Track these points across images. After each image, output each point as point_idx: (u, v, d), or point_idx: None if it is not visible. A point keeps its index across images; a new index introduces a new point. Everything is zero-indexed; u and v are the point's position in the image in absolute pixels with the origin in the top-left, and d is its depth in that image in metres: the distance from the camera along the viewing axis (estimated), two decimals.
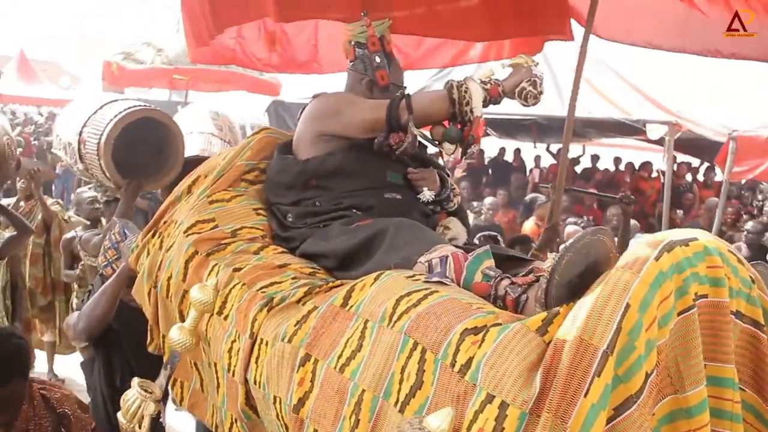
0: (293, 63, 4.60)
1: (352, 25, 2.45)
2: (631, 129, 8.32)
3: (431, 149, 2.63)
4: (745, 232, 6.67)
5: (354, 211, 2.27)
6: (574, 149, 12.74)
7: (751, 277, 1.51)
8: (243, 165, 2.59)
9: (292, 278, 2.11)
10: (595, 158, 12.72)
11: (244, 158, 2.62)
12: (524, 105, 2.24)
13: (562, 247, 1.42)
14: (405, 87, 2.45)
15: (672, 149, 7.53)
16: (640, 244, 1.41)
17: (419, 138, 2.43)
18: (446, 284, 1.71)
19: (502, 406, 1.30)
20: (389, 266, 1.89)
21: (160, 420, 2.30)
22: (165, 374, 2.34)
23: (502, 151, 13.94)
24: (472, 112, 2.21)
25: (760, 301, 1.50)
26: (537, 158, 13.12)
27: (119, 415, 2.31)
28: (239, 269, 2.23)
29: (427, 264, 1.85)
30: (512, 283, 1.67)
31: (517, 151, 13.49)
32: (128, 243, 3.04)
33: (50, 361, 5.78)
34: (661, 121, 7.62)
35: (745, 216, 8.18)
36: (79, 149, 4.11)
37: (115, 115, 3.92)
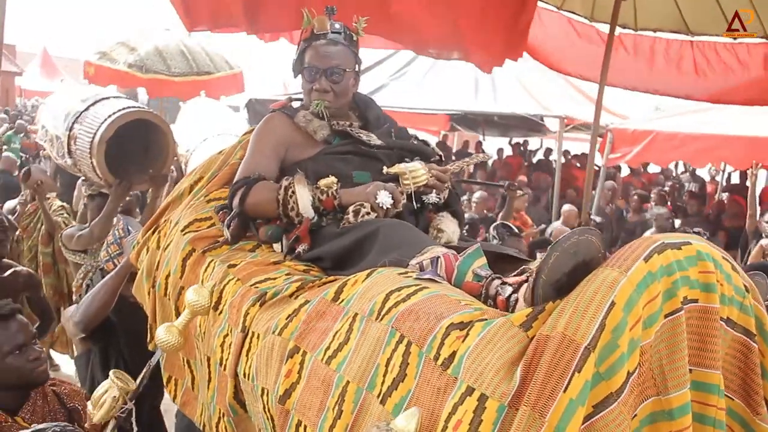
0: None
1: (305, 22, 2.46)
2: (535, 123, 10.16)
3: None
4: (655, 218, 7.13)
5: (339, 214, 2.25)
6: (533, 143, 15.25)
7: (745, 285, 1.49)
8: (236, 163, 2.60)
9: (286, 274, 2.12)
10: (548, 151, 14.03)
11: (238, 157, 2.64)
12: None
13: (549, 246, 1.42)
14: (312, 68, 2.37)
15: (562, 139, 9.20)
16: (631, 246, 1.40)
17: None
18: (438, 282, 1.71)
19: (482, 398, 1.29)
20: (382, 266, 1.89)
21: (131, 420, 2.27)
22: (145, 372, 2.34)
23: (466, 144, 14.60)
24: (298, 215, 2.21)
25: (753, 310, 1.48)
26: (500, 150, 14.08)
27: (88, 403, 2.32)
28: (234, 266, 2.24)
29: (418, 266, 1.85)
30: (503, 282, 1.66)
31: (479, 144, 14.29)
32: (131, 239, 3.08)
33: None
34: (553, 115, 9.28)
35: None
36: (69, 144, 4.15)
37: (109, 116, 3.97)
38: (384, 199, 2.14)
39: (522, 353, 1.32)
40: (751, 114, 7.02)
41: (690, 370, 1.38)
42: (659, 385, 1.34)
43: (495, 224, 4.95)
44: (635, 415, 1.33)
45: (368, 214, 2.18)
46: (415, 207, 2.28)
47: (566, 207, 7.16)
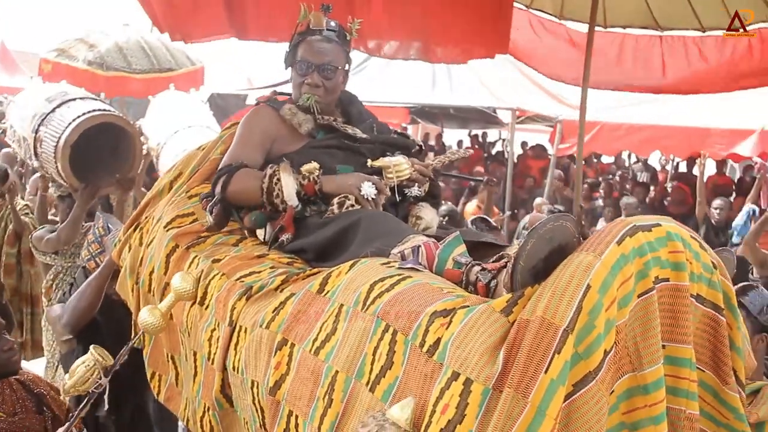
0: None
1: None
2: (488, 115, 10.73)
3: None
4: (625, 207, 7.42)
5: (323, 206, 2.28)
6: (492, 134, 15.79)
7: (713, 262, 1.56)
8: (218, 158, 2.61)
9: (270, 267, 2.15)
10: (505, 143, 14.41)
11: (218, 152, 2.65)
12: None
13: (526, 233, 1.47)
14: (305, 62, 2.39)
15: (514, 130, 9.79)
16: (604, 230, 1.47)
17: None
18: (419, 270, 1.76)
19: (467, 382, 1.35)
20: (365, 257, 1.94)
21: (104, 397, 2.35)
22: (123, 351, 2.39)
23: (426, 137, 14.93)
24: (283, 203, 2.22)
25: (721, 285, 1.56)
26: (459, 142, 14.65)
27: (66, 375, 2.38)
28: (219, 260, 2.27)
29: (399, 255, 1.89)
30: (483, 269, 1.72)
31: (439, 136, 14.68)
32: (112, 237, 3.09)
33: None
34: (505, 107, 9.71)
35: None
36: (35, 147, 4.12)
37: (74, 119, 3.92)
38: (368, 189, 2.17)
39: (504, 337, 1.38)
40: (692, 106, 7.44)
41: (663, 346, 1.45)
42: (634, 362, 1.41)
43: (473, 218, 5.03)
44: (612, 392, 1.40)
45: (352, 206, 2.22)
46: (397, 200, 2.32)
47: (538, 200, 7.50)
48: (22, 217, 5.34)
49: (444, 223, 3.15)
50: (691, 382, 1.48)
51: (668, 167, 12.34)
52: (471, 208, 7.67)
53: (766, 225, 5.19)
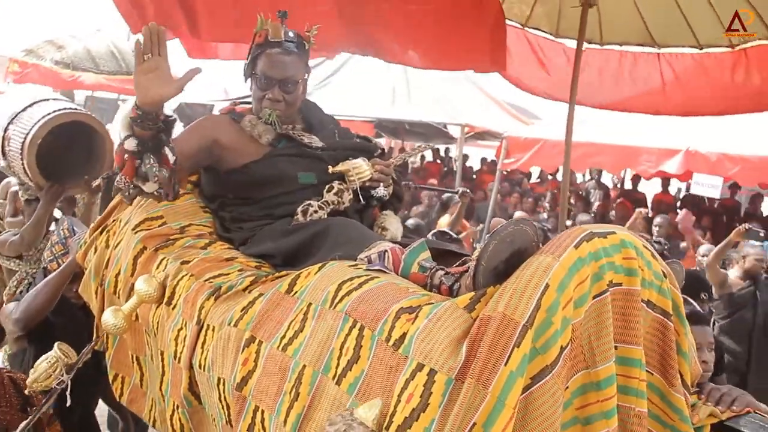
0: None
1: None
2: (439, 131, 11.43)
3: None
4: (579, 224, 7.68)
5: (287, 217, 2.32)
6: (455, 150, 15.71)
7: (663, 271, 1.66)
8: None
9: (239, 270, 2.20)
10: (465, 157, 14.69)
11: None
12: None
13: (487, 236, 1.56)
14: (267, 77, 2.39)
15: (463, 143, 10.58)
16: (563, 235, 1.56)
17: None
18: (386, 272, 1.82)
19: (431, 373, 1.41)
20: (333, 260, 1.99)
21: (66, 393, 2.39)
22: (87, 349, 2.47)
23: (390, 151, 15.36)
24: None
25: (670, 293, 1.66)
26: (422, 157, 15.16)
27: (31, 373, 2.40)
28: (187, 262, 2.30)
29: (366, 259, 1.96)
30: (446, 273, 1.79)
31: (401, 150, 15.31)
32: (76, 239, 3.08)
33: None
34: (455, 123, 10.29)
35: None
36: (3, 146, 4.07)
37: (43, 117, 3.88)
38: (129, 144, 2.05)
39: (467, 332, 1.45)
40: (623, 125, 7.74)
41: (615, 347, 1.54)
42: (588, 359, 1.49)
43: (433, 232, 5.11)
44: (567, 387, 1.48)
45: (316, 212, 2.28)
46: (362, 203, 2.38)
47: (495, 219, 7.75)
48: None
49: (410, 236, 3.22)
50: (640, 382, 1.57)
51: (619, 185, 12.96)
52: (444, 222, 7.76)
53: (727, 248, 5.46)
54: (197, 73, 2.01)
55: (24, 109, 4.05)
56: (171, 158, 2.11)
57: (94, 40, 10.02)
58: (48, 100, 4.17)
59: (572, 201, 9.97)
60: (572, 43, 4.82)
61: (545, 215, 8.95)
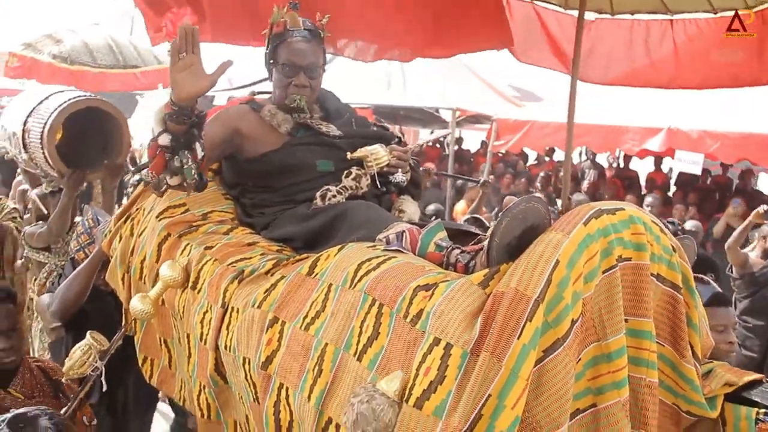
0: None
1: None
2: (432, 115, 11.56)
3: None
4: (575, 203, 7.80)
5: (307, 202, 2.37)
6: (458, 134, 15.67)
7: (672, 245, 1.71)
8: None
9: (261, 254, 2.27)
10: (461, 140, 14.84)
11: None
12: None
13: (501, 213, 1.61)
14: (291, 64, 2.44)
15: (455, 126, 10.58)
16: (573, 212, 1.60)
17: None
18: (403, 252, 1.88)
19: (447, 347, 1.48)
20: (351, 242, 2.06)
21: (101, 379, 2.51)
22: (118, 336, 2.58)
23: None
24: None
25: (679, 267, 1.71)
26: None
27: (66, 361, 2.50)
28: (211, 247, 2.37)
29: (384, 240, 2.02)
30: (462, 251, 1.85)
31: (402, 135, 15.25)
32: (102, 228, 3.16)
33: None
34: (448, 107, 10.30)
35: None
36: (24, 139, 4.18)
37: (59, 105, 3.99)
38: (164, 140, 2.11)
39: (481, 307, 1.51)
40: (607, 105, 7.90)
41: (626, 320, 1.59)
42: (599, 332, 1.55)
43: (466, 218, 5.17)
44: (579, 360, 1.54)
45: (334, 197, 2.34)
46: (380, 188, 2.43)
47: (508, 197, 7.90)
48: (9, 222, 5.32)
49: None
50: (651, 353, 1.62)
51: (615, 165, 13.02)
52: (460, 208, 7.95)
53: (748, 230, 5.52)
54: (229, 65, 2.08)
55: (41, 102, 4.16)
56: (200, 153, 2.19)
57: (91, 34, 10.11)
58: (63, 91, 4.28)
59: (556, 178, 10.20)
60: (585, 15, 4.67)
61: (537, 195, 9.11)
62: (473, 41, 4.75)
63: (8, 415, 1.87)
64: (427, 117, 12.11)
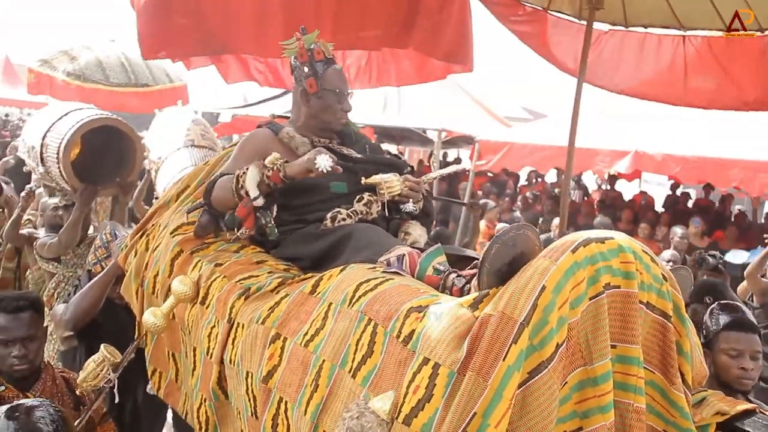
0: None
1: (287, 42, 2.65)
2: (421, 136, 11.87)
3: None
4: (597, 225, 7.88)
5: (317, 223, 2.45)
6: (453, 154, 16.65)
7: (662, 274, 1.75)
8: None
9: (268, 272, 2.35)
10: (458, 160, 15.41)
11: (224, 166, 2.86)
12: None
13: (491, 239, 1.67)
14: (340, 91, 2.60)
15: (440, 146, 11.36)
16: (562, 240, 1.66)
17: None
18: (401, 274, 1.95)
19: (435, 366, 1.54)
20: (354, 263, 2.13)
21: (114, 390, 2.59)
22: (131, 349, 2.66)
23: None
24: (247, 194, 2.37)
25: (670, 295, 1.75)
26: (419, 162, 15.33)
27: (80, 373, 2.59)
28: (220, 264, 2.46)
29: (385, 262, 2.09)
30: (458, 275, 1.91)
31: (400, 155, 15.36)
32: (118, 242, 3.26)
33: None
34: (434, 128, 10.82)
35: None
36: (41, 153, 4.33)
37: (76, 122, 4.15)
38: (323, 161, 2.27)
39: (469, 329, 1.57)
40: (579, 129, 8.08)
41: (614, 346, 1.64)
42: (585, 356, 1.59)
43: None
44: (566, 383, 1.58)
45: (344, 220, 2.41)
46: (387, 215, 2.50)
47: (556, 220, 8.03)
48: (23, 230, 5.45)
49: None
50: (638, 379, 1.66)
51: (604, 186, 13.22)
52: (481, 228, 8.05)
53: (767, 259, 5.47)
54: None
55: (60, 118, 4.32)
56: (274, 213, 2.45)
57: (106, 51, 10.31)
58: (82, 108, 4.44)
59: (539, 198, 10.43)
60: (596, 25, 4.79)
61: (518, 214, 9.41)
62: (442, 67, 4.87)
63: (7, 405, 1.94)
64: (418, 137, 12.42)
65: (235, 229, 2.45)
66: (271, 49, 3.86)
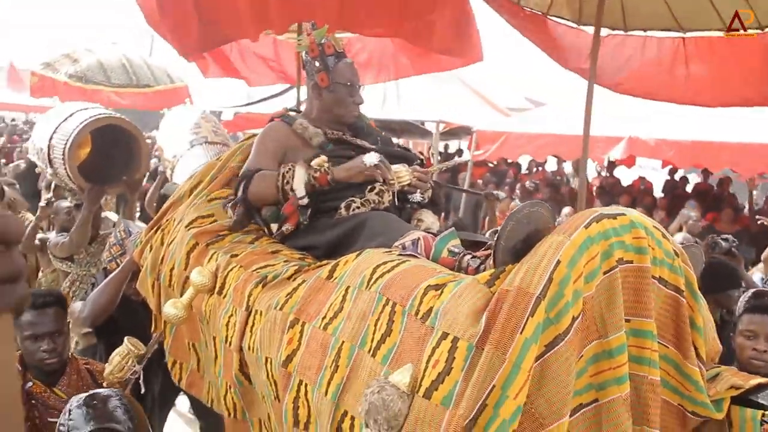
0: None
1: (299, 37, 2.70)
2: (419, 128, 11.87)
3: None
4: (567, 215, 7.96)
5: (331, 212, 2.50)
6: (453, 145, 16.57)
7: (674, 250, 1.78)
8: (235, 167, 2.88)
9: (284, 261, 2.38)
10: (459, 152, 15.31)
11: (237, 161, 2.91)
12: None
13: (506, 217, 1.70)
14: (351, 84, 2.64)
15: (438, 138, 11.50)
16: (576, 216, 1.69)
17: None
18: (417, 257, 1.98)
19: (454, 340, 1.57)
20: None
21: (139, 381, 2.66)
22: (154, 340, 2.72)
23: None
24: (293, 191, 2.44)
25: (682, 270, 1.78)
26: (420, 154, 15.08)
27: (106, 366, 2.64)
28: (236, 255, 2.50)
29: (401, 246, 2.12)
30: (473, 256, 1.94)
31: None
32: (132, 239, 3.31)
33: None
34: (432, 120, 11.10)
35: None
36: (49, 154, 4.39)
37: (81, 122, 4.21)
38: (370, 158, 2.39)
39: (486, 304, 1.60)
40: (575, 117, 8.25)
41: (628, 320, 1.66)
42: (600, 330, 1.62)
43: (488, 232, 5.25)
44: (582, 356, 1.61)
45: (358, 208, 2.45)
46: (397, 204, 2.54)
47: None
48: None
49: None
50: (653, 352, 1.69)
51: (603, 173, 13.26)
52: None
53: None
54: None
55: (65, 119, 4.38)
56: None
57: (107, 53, 10.42)
58: (87, 108, 4.50)
59: (538, 187, 10.42)
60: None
61: (518, 202, 9.37)
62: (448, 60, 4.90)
63: (84, 395, 2.08)
64: (418, 130, 12.57)
65: (278, 225, 2.50)
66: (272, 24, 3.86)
